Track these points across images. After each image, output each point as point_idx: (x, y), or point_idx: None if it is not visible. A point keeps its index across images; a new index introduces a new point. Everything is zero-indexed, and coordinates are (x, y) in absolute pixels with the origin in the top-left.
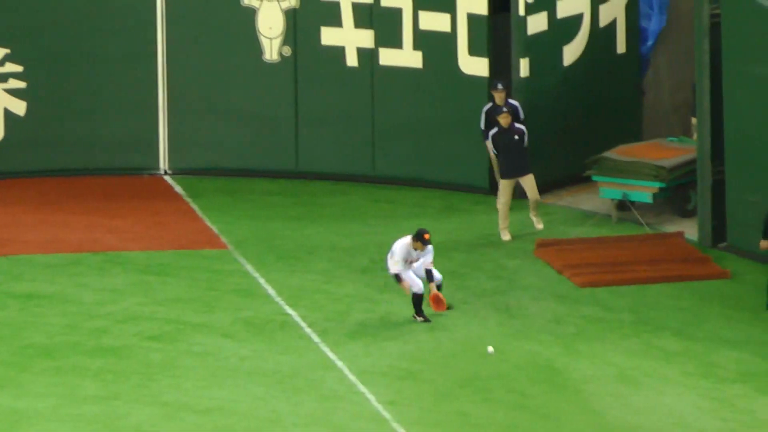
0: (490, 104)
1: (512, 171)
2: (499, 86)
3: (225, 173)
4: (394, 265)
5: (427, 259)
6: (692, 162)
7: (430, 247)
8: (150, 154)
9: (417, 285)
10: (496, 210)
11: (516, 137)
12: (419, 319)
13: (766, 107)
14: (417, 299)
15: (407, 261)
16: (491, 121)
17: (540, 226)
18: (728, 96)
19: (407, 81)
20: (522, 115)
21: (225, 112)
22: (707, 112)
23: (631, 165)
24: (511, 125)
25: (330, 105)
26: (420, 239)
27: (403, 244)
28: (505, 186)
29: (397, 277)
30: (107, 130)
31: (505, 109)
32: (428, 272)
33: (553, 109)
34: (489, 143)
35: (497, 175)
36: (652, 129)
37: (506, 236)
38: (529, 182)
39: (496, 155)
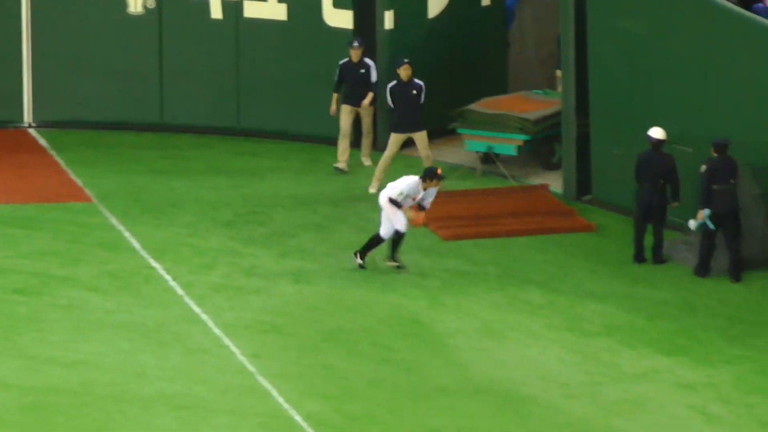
0: (346, 60)
1: (405, 126)
2: (355, 44)
3: (90, 126)
4: (395, 193)
5: (428, 200)
6: (557, 115)
7: (433, 189)
8: (14, 107)
9: (402, 224)
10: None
11: (414, 92)
12: (392, 264)
13: (630, 61)
14: (398, 239)
15: (408, 197)
16: (344, 77)
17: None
18: (593, 49)
19: (272, 34)
20: (375, 77)
21: (89, 65)
22: (572, 65)
23: (496, 118)
24: (411, 79)
25: (195, 58)
26: (434, 176)
27: (411, 181)
28: (394, 140)
29: (394, 202)
30: None
31: (406, 61)
32: (421, 207)
33: (418, 62)
34: (367, 100)
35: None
36: (517, 82)
37: (374, 189)
38: (421, 139)
39: (392, 108)
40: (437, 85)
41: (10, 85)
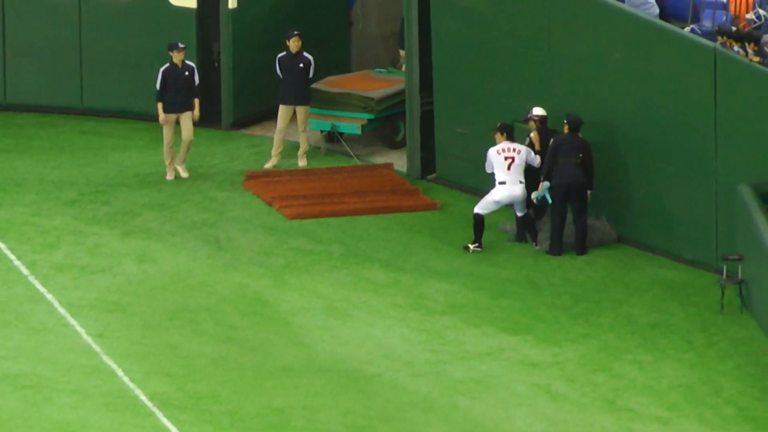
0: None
1: (291, 97)
2: (180, 44)
3: None
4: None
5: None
6: (401, 93)
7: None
8: None
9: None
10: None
11: (301, 65)
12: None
13: (472, 39)
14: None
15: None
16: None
17: (303, 163)
18: (436, 27)
19: (116, 12)
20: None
21: None
22: (416, 44)
23: (340, 96)
24: (300, 52)
25: (37, 36)
26: (506, 129)
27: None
28: (282, 112)
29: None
30: None
31: (296, 33)
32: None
33: (262, 41)
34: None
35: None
36: (361, 60)
37: (270, 165)
38: (302, 113)
39: (280, 79)
40: None
41: None
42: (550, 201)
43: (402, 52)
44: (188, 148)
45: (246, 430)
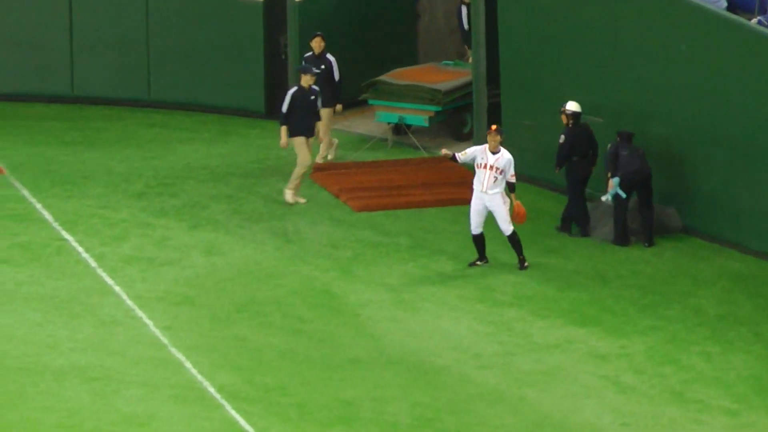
0: (295, 88)
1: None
2: (315, 70)
3: None
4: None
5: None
6: (468, 85)
7: (508, 156)
8: None
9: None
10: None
11: (323, 66)
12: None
13: (539, 31)
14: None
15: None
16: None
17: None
18: (503, 20)
19: (183, 5)
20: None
21: None
22: (482, 36)
23: (407, 89)
24: (323, 53)
25: (105, 29)
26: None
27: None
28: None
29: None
30: None
31: (318, 33)
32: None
33: (329, 33)
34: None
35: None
36: (427, 53)
37: (320, 158)
38: (325, 116)
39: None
40: (348, 57)
41: None
42: (623, 195)
43: (467, 46)
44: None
45: (314, 422)
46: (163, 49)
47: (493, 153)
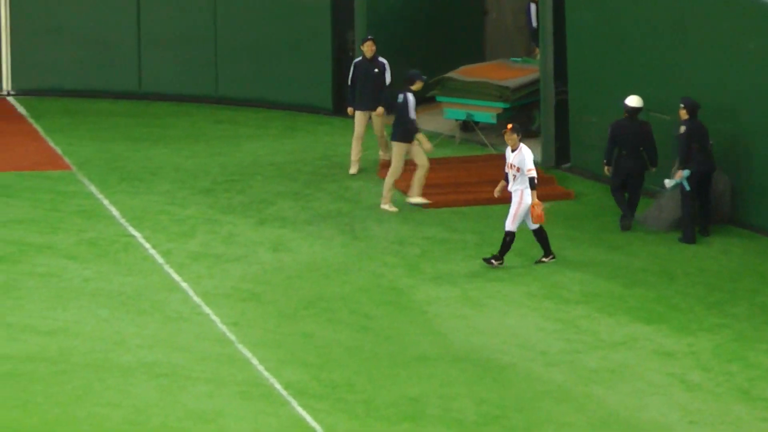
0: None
1: (366, 103)
2: (368, 38)
3: (68, 94)
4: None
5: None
6: (535, 82)
7: (524, 151)
8: None
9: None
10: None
11: (376, 70)
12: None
13: (607, 29)
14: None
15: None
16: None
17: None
18: (570, 17)
19: (250, 1)
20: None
21: (68, 32)
22: (550, 33)
23: (475, 85)
24: (375, 57)
25: (172, 25)
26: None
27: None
28: (358, 117)
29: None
30: None
31: (369, 37)
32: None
33: (396, 30)
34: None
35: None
36: (495, 49)
37: (354, 169)
38: (378, 118)
39: (351, 85)
40: (415, 53)
41: None
42: (688, 188)
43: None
44: (384, 141)
45: (381, 419)
46: (231, 46)
47: (513, 151)
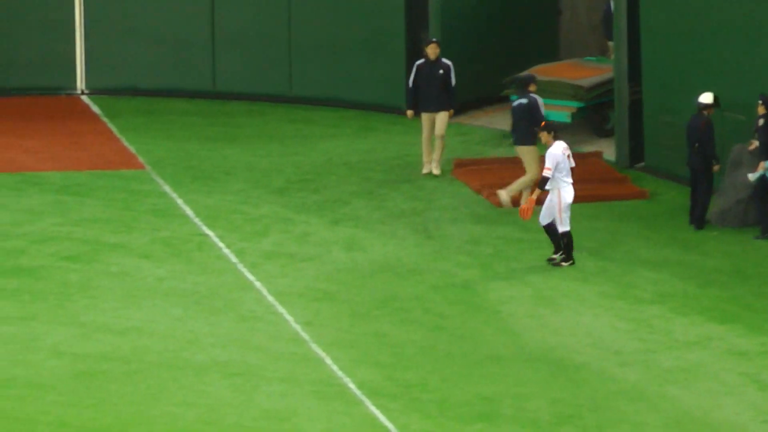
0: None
1: (431, 105)
2: (433, 40)
3: (142, 93)
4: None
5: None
6: (610, 82)
7: (548, 151)
8: (67, 73)
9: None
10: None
11: (440, 71)
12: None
13: (681, 29)
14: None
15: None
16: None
17: (437, 171)
18: (645, 17)
19: (324, 0)
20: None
21: (142, 32)
22: (624, 33)
23: (550, 84)
24: (438, 58)
25: (247, 25)
26: (552, 128)
27: (556, 151)
28: (424, 120)
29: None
30: (23, 50)
31: (434, 40)
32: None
33: (470, 29)
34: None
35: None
36: (569, 49)
37: (429, 170)
38: (441, 120)
39: (413, 86)
40: (489, 52)
41: (63, 52)
42: None
43: (610, 42)
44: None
45: (454, 418)
46: (305, 45)
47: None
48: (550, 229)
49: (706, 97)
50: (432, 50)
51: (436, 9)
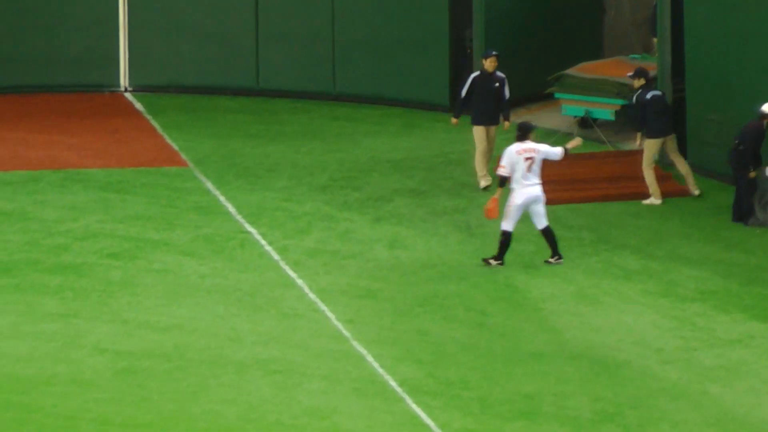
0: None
1: (485, 118)
2: (492, 53)
3: (185, 90)
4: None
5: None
6: (654, 79)
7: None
8: (110, 71)
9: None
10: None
11: (496, 84)
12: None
13: (725, 25)
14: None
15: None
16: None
17: (484, 183)
18: (689, 13)
19: None
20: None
21: (186, 29)
22: (668, 30)
23: (594, 82)
24: (494, 71)
25: (290, 22)
26: (524, 130)
27: (511, 149)
28: (477, 133)
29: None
30: (67, 47)
31: (494, 53)
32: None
33: (514, 27)
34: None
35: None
36: (613, 46)
37: (485, 182)
38: (493, 133)
39: (464, 98)
40: (533, 50)
41: (106, 49)
42: None
43: (654, 39)
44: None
45: (496, 416)
46: (349, 43)
47: None
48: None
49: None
50: (491, 63)
51: (480, 6)
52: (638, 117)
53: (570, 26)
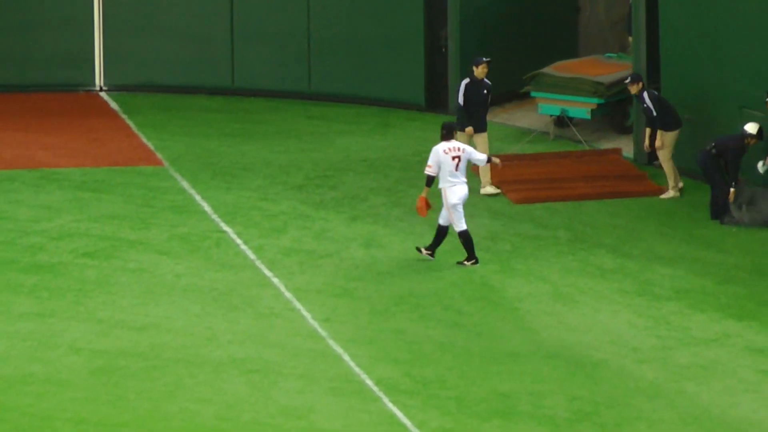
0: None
1: (475, 125)
2: (483, 59)
3: (161, 90)
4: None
5: (474, 156)
6: None
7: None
8: (85, 70)
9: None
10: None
11: (485, 91)
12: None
13: (700, 24)
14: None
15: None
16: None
17: (485, 190)
18: (664, 13)
19: None
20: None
21: (161, 28)
22: (643, 29)
23: (570, 81)
24: (483, 78)
25: (266, 21)
26: (447, 128)
27: (438, 148)
28: (476, 139)
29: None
30: (42, 46)
31: (486, 60)
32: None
33: (489, 26)
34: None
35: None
36: (588, 45)
37: (492, 189)
38: (483, 141)
39: (461, 106)
40: (508, 49)
41: (81, 48)
42: None
43: (630, 38)
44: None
45: (472, 415)
46: (324, 41)
47: None
48: (441, 230)
49: (752, 128)
50: (483, 70)
51: (455, 6)
52: (651, 118)
53: (545, 25)
